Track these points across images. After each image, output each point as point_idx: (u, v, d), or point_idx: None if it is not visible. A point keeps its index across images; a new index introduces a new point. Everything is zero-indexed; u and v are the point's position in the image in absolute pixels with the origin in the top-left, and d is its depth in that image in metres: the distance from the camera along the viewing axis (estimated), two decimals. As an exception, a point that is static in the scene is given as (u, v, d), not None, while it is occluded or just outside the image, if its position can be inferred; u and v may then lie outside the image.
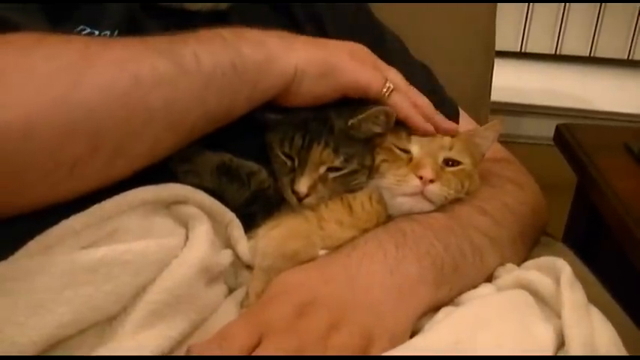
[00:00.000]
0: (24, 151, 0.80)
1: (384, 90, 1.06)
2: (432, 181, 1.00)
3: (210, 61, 0.92)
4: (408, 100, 1.09)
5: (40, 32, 0.87)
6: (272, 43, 1.00)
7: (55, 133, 0.81)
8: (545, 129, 2.04)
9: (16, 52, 0.83)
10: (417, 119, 1.08)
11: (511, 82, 2.17)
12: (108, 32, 1.00)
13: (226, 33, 0.97)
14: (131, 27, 1.02)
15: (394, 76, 1.10)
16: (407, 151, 1.05)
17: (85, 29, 0.99)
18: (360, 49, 1.10)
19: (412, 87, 1.13)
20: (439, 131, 1.09)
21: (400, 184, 1.01)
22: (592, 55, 2.29)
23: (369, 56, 1.10)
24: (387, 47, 1.30)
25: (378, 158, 1.06)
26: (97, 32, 0.99)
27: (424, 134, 1.08)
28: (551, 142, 1.79)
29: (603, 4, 2.24)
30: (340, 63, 1.04)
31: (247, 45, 0.97)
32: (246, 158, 1.03)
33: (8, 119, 0.78)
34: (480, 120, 1.55)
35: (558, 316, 0.88)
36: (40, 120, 0.80)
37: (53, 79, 0.82)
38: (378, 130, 1.06)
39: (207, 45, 0.94)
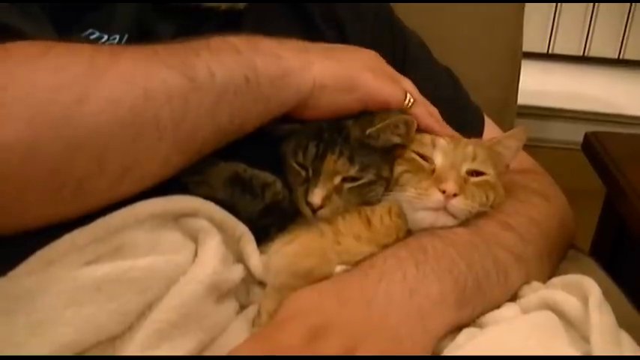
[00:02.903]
0: (26, 170, 0.77)
1: (406, 102, 1.05)
2: (455, 195, 0.97)
3: (223, 76, 0.89)
4: (426, 110, 1.10)
5: (45, 41, 0.83)
6: (288, 55, 0.97)
7: (58, 152, 0.78)
8: (573, 133, 2.00)
9: (19, 65, 0.79)
10: (436, 128, 1.09)
11: (537, 84, 2.13)
12: (117, 36, 0.98)
13: (240, 43, 0.94)
14: (142, 30, 0.99)
15: (410, 87, 1.10)
16: (430, 160, 1.03)
17: (94, 33, 0.96)
18: (377, 61, 1.09)
19: (421, 96, 1.12)
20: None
21: (422, 198, 0.98)
22: (620, 57, 2.26)
23: (386, 68, 1.09)
24: (409, 51, 1.28)
25: (399, 169, 1.03)
26: (106, 36, 0.97)
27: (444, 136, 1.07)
28: (579, 147, 1.75)
29: (633, 4, 2.21)
30: (360, 77, 1.02)
31: (262, 58, 0.94)
32: (261, 168, 1.01)
33: (9, 136, 0.75)
34: (506, 124, 1.52)
35: (586, 339, 0.85)
36: (43, 137, 0.77)
37: (58, 93, 0.78)
38: (397, 140, 1.03)
39: (221, 57, 0.91)
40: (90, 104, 0.79)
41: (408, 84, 1.10)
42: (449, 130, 1.10)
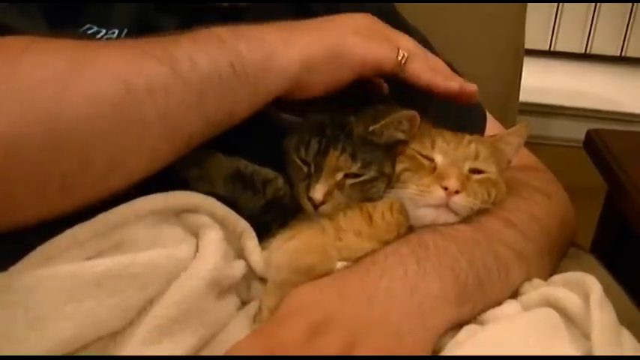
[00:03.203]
0: (10, 166, 0.76)
1: (399, 59, 1.01)
2: (457, 192, 0.97)
3: (207, 64, 0.88)
4: (426, 64, 1.05)
5: (28, 37, 0.82)
6: (271, 38, 0.96)
7: (41, 147, 0.77)
8: (574, 131, 2.01)
9: (1, 62, 0.78)
10: (438, 81, 1.04)
11: (539, 81, 2.13)
12: (116, 31, 0.97)
13: (223, 32, 0.93)
14: (142, 25, 0.99)
15: (406, 43, 1.05)
16: (430, 159, 1.02)
17: (91, 28, 0.96)
18: (366, 21, 1.05)
19: (427, 51, 1.09)
20: (463, 93, 1.05)
21: (423, 195, 0.98)
22: (622, 54, 2.25)
23: (376, 26, 1.06)
24: None
25: (400, 166, 1.03)
26: (104, 31, 0.96)
27: (449, 94, 1.05)
28: (581, 145, 1.75)
29: (634, 2, 2.20)
30: (346, 43, 0.99)
31: (245, 43, 0.93)
32: (262, 164, 1.00)
33: None
34: (508, 121, 1.51)
35: (587, 336, 0.85)
36: (26, 133, 0.76)
37: (38, 90, 0.78)
38: (400, 136, 1.03)
39: (203, 46, 0.90)
40: (71, 99, 0.78)
41: (404, 40, 1.06)
42: (457, 81, 1.06)
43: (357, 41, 0.99)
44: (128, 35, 0.98)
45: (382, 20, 1.21)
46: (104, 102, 0.81)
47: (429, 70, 1.04)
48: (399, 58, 1.01)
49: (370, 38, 1.01)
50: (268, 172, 1.00)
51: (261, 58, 0.93)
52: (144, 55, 0.85)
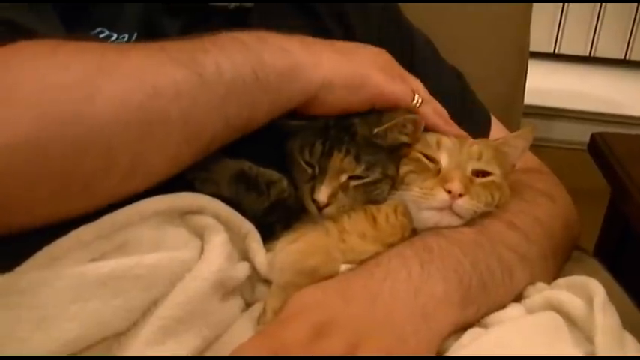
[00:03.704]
0: (35, 168, 0.76)
1: (414, 103, 1.05)
2: (460, 195, 0.97)
3: (232, 71, 0.89)
4: (432, 109, 1.09)
5: (55, 40, 0.83)
6: (296, 49, 0.97)
7: (67, 150, 0.78)
8: (578, 133, 2.01)
9: (30, 63, 0.79)
10: (440, 127, 1.09)
11: (543, 84, 2.13)
12: (126, 35, 0.98)
13: (247, 38, 0.94)
14: (150, 28, 0.99)
15: (418, 86, 1.10)
16: (435, 160, 1.02)
17: (103, 32, 0.96)
18: (387, 60, 1.09)
19: (433, 99, 1.12)
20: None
21: (427, 198, 0.98)
22: (627, 58, 2.25)
23: (395, 67, 1.09)
24: (416, 50, 1.28)
25: (405, 169, 1.03)
26: (115, 35, 0.97)
27: (451, 135, 1.07)
28: (584, 147, 1.74)
29: (639, 5, 2.20)
30: (370, 76, 1.01)
31: (270, 52, 0.94)
32: (266, 166, 1.00)
33: (18, 135, 0.75)
34: (512, 122, 1.51)
35: (590, 340, 0.85)
36: (52, 135, 0.76)
37: (67, 92, 0.78)
38: (404, 139, 1.03)
39: (229, 53, 0.90)
40: (99, 102, 0.79)
41: (416, 83, 1.10)
42: (456, 129, 1.10)
43: (380, 77, 1.02)
44: (138, 40, 0.98)
45: (387, 19, 1.22)
46: (131, 105, 0.81)
47: (435, 116, 1.09)
48: (414, 101, 1.06)
49: (392, 77, 1.05)
50: (272, 174, 1.00)
51: (284, 68, 0.94)
52: (170, 59, 0.86)
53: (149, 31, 0.99)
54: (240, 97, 0.90)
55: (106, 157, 0.81)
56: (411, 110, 1.05)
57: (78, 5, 0.95)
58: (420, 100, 1.06)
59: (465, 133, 1.10)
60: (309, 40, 1.01)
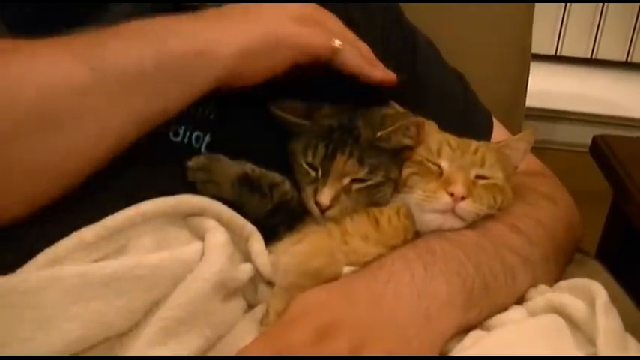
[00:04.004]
0: None
1: (334, 46, 1.01)
2: (463, 198, 0.97)
3: (132, 62, 0.88)
4: (357, 52, 1.04)
5: None
6: (207, 31, 0.95)
7: None
8: (580, 135, 2.00)
9: None
10: (366, 70, 1.04)
11: (545, 86, 2.13)
12: None
13: (154, 25, 0.92)
14: None
15: (339, 29, 1.05)
16: (437, 165, 1.02)
17: None
18: (301, 7, 1.04)
19: (351, 33, 1.07)
20: (384, 81, 1.05)
21: (430, 200, 0.98)
22: (628, 60, 2.25)
23: (311, 12, 1.04)
24: (419, 51, 1.28)
25: (407, 172, 1.03)
26: None
27: (372, 82, 1.04)
28: (586, 150, 1.75)
29: (642, 7, 2.19)
30: (284, 31, 0.98)
31: (177, 38, 0.92)
32: (269, 168, 1.00)
33: None
34: (514, 127, 1.51)
35: (592, 342, 0.85)
36: None
37: None
38: (407, 142, 1.03)
39: (130, 42, 0.90)
40: None
41: (337, 26, 1.05)
42: (381, 71, 1.05)
43: (293, 29, 0.99)
44: None
45: (389, 19, 1.21)
46: (18, 105, 0.82)
47: (359, 57, 1.04)
48: (334, 45, 1.01)
49: (306, 26, 1.00)
50: (275, 176, 1.00)
51: (192, 53, 0.92)
52: (71, 56, 0.86)
53: None
54: (144, 87, 0.89)
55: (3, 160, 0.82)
56: (333, 56, 1.01)
57: (62, 7, 0.95)
58: (338, 45, 1.01)
59: (392, 75, 1.06)
60: (223, 12, 0.99)
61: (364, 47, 1.07)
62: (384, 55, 1.11)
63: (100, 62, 0.86)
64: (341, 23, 1.06)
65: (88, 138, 0.86)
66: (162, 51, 0.90)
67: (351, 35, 1.06)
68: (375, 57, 1.07)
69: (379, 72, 1.05)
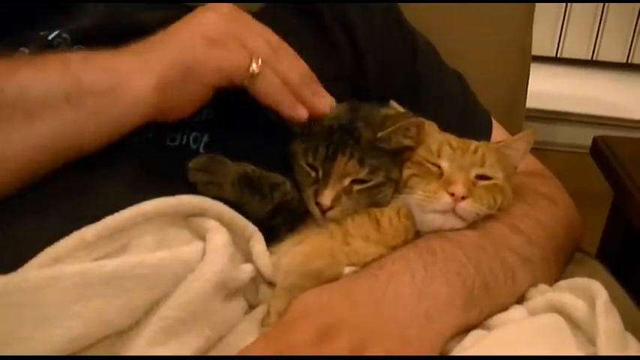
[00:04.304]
0: None
1: (250, 71, 0.95)
2: (463, 197, 0.97)
3: (38, 93, 0.87)
4: (276, 79, 0.98)
5: None
6: (124, 66, 0.92)
7: None
8: (581, 137, 2.01)
9: None
10: (285, 106, 0.98)
11: (545, 88, 2.12)
12: None
13: (73, 58, 0.91)
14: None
15: (257, 43, 0.98)
16: (437, 165, 1.02)
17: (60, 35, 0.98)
18: (215, 22, 0.98)
19: (281, 51, 1.01)
20: (313, 112, 1.00)
21: (430, 201, 0.98)
22: (629, 61, 2.25)
23: (224, 28, 0.97)
24: (419, 51, 1.28)
25: (407, 172, 1.03)
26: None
27: (297, 120, 1.00)
28: (587, 151, 1.75)
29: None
30: (193, 58, 0.94)
31: (91, 72, 0.91)
32: (270, 169, 1.00)
33: None
34: (514, 128, 1.51)
35: (592, 342, 0.85)
36: None
37: None
38: (408, 143, 1.03)
39: (42, 73, 0.89)
40: None
41: (256, 40, 0.99)
42: (298, 111, 0.99)
43: (205, 52, 0.95)
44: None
45: (389, 21, 1.21)
46: None
47: (278, 87, 0.98)
48: (251, 69, 0.96)
49: (220, 46, 0.96)
50: (276, 177, 1.00)
51: (105, 90, 0.90)
52: None
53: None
54: (50, 120, 0.88)
55: None
56: (248, 81, 0.95)
57: (38, 7, 0.96)
58: (254, 72, 0.95)
59: (306, 116, 1.00)
60: (145, 44, 0.95)
61: (292, 73, 1.00)
62: (384, 54, 1.12)
63: (4, 90, 0.86)
64: (270, 36, 1.01)
65: None
66: (74, 85, 0.89)
67: (273, 57, 0.99)
68: (296, 79, 1.00)
69: (295, 111, 0.99)
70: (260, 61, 0.96)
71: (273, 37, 1.01)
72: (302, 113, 0.99)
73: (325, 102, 1.02)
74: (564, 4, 2.19)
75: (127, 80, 0.91)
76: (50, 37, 0.96)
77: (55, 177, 0.90)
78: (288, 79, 0.99)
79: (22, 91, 0.87)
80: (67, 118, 0.89)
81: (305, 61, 1.03)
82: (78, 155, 0.91)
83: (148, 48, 0.95)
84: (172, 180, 0.92)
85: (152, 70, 0.92)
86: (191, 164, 0.95)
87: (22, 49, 0.94)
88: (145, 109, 0.92)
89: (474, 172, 1.02)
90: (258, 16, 1.07)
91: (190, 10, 1.00)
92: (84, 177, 0.92)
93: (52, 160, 0.90)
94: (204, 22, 0.97)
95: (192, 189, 0.94)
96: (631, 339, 0.88)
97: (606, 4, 2.18)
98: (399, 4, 1.33)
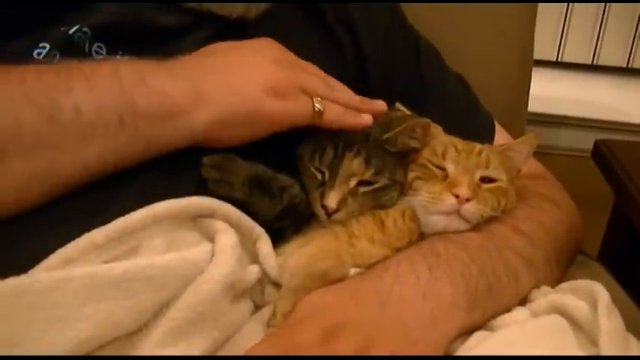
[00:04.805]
0: None
1: (316, 111, 1.00)
2: (468, 199, 0.97)
3: (93, 114, 0.87)
4: (338, 107, 1.02)
5: None
6: (180, 94, 0.92)
7: None
8: (582, 141, 2.01)
9: None
10: (350, 123, 1.02)
11: (547, 92, 2.13)
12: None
13: (126, 76, 0.90)
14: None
15: (313, 83, 1.02)
16: (442, 168, 1.03)
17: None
18: (274, 70, 1.00)
19: (331, 83, 1.05)
20: (375, 114, 1.04)
21: (435, 202, 0.98)
22: (629, 66, 2.25)
23: (284, 78, 1.00)
24: (421, 52, 1.28)
25: (412, 174, 1.04)
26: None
27: (365, 126, 1.03)
28: (588, 155, 1.75)
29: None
30: (260, 107, 0.96)
31: (145, 95, 0.90)
32: (278, 171, 1.00)
33: None
34: (516, 131, 1.51)
35: (594, 343, 0.86)
36: None
37: None
38: (414, 144, 1.04)
39: (97, 93, 0.87)
40: None
41: (312, 81, 1.02)
42: (364, 118, 1.03)
43: (271, 105, 0.96)
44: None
45: (393, 24, 1.21)
46: None
47: (341, 114, 1.02)
48: (315, 110, 0.99)
49: (283, 97, 0.98)
50: (286, 179, 1.00)
51: (160, 116, 0.90)
52: (23, 97, 0.85)
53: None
54: (102, 141, 0.88)
55: None
56: (315, 120, 1.00)
57: (52, 6, 0.96)
58: (319, 111, 0.99)
59: (370, 122, 1.03)
60: (195, 69, 0.96)
61: (345, 95, 1.05)
62: (387, 54, 1.12)
63: (57, 111, 0.85)
64: (316, 69, 1.05)
65: (28, 179, 0.86)
66: (128, 108, 0.89)
67: (332, 83, 1.05)
68: (356, 98, 1.06)
69: (366, 118, 1.03)
70: (320, 105, 1.00)
71: (318, 69, 1.06)
72: (366, 118, 1.03)
73: (378, 103, 1.07)
74: (565, 8, 2.19)
75: (182, 111, 0.91)
76: (71, 32, 0.95)
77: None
78: (348, 104, 1.04)
79: (79, 111, 0.86)
80: (118, 140, 0.88)
81: (310, 61, 1.05)
82: (114, 172, 0.91)
83: (201, 78, 0.95)
84: (182, 177, 0.94)
85: (211, 106, 0.93)
86: (205, 160, 0.95)
87: (42, 44, 0.94)
88: (195, 139, 0.93)
89: (478, 175, 1.02)
90: (263, 16, 1.08)
91: (199, 15, 1.03)
92: (103, 185, 0.91)
93: (90, 178, 0.89)
94: (263, 71, 0.99)
95: (201, 186, 0.95)
96: (633, 340, 0.89)
97: (607, 8, 2.18)
98: (403, 8, 1.33)
